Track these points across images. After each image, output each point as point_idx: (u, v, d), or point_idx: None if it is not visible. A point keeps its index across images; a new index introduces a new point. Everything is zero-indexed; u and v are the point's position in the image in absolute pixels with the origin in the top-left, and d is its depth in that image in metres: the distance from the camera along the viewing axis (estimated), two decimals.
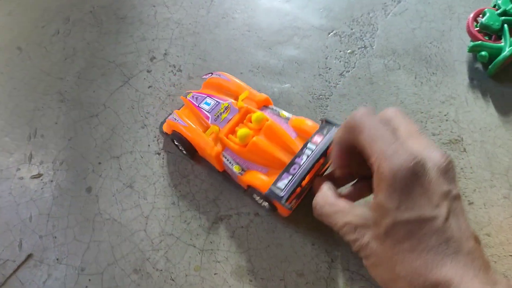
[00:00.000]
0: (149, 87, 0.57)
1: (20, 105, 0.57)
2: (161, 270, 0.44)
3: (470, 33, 0.54)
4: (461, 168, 0.48)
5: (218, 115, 0.47)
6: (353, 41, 0.59)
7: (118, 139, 0.53)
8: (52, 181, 0.50)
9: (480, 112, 0.52)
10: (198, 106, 0.48)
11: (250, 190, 0.44)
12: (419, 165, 0.29)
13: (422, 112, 0.52)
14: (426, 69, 0.55)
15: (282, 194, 0.39)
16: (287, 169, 0.40)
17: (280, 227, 0.45)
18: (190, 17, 0.64)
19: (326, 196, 0.37)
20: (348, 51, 0.58)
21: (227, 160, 0.45)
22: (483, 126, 0.50)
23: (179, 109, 0.50)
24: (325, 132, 0.42)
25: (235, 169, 0.44)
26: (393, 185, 0.29)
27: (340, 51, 0.58)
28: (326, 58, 0.58)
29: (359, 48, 0.58)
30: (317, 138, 0.42)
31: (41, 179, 0.51)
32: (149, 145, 0.52)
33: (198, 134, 0.46)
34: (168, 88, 0.57)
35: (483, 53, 0.53)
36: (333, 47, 0.59)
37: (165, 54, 0.60)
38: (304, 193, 0.42)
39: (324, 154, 0.41)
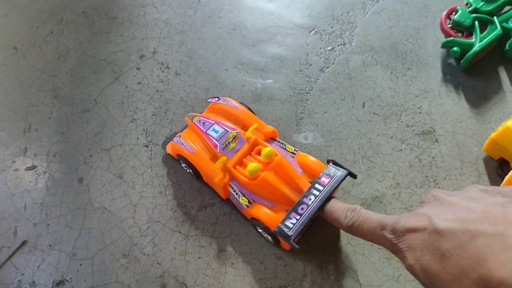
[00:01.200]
0: (139, 83, 0.60)
1: (15, 101, 0.60)
2: (148, 254, 0.46)
3: (443, 30, 0.57)
4: (433, 158, 0.50)
5: (226, 144, 0.46)
6: (333, 39, 0.62)
7: (109, 132, 0.56)
8: (45, 172, 0.53)
9: (452, 104, 0.54)
10: (206, 132, 0.48)
11: (253, 222, 0.44)
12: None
13: (397, 105, 0.55)
14: (401, 65, 0.58)
15: (290, 233, 0.39)
16: (295, 208, 0.40)
17: None
18: (178, 16, 0.67)
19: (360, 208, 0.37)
20: (328, 48, 0.61)
21: (234, 191, 0.45)
22: (454, 118, 0.53)
23: (182, 131, 0.50)
24: (332, 173, 0.42)
25: (242, 201, 0.45)
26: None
27: (321, 48, 0.61)
28: (307, 55, 0.61)
29: (338, 45, 0.61)
30: (325, 179, 0.42)
31: (35, 171, 0.53)
32: (138, 138, 0.55)
33: (206, 162, 0.46)
34: (156, 85, 0.59)
35: (455, 48, 0.55)
36: (314, 44, 0.62)
37: (154, 52, 0.63)
38: (306, 228, 0.42)
39: (330, 197, 0.41)
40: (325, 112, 0.55)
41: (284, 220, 0.40)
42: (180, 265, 0.45)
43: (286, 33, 0.63)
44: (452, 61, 0.58)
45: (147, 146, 0.54)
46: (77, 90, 0.60)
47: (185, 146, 0.47)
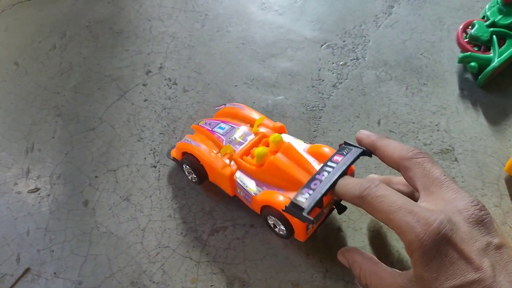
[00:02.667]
0: (145, 100, 0.58)
1: (17, 119, 0.58)
2: (158, 282, 0.44)
3: (459, 44, 0.55)
4: (453, 178, 0.48)
5: (232, 138, 0.45)
6: (346, 53, 0.60)
7: (115, 152, 0.54)
8: (49, 195, 0.51)
9: (470, 121, 0.52)
10: (211, 130, 0.46)
11: (264, 213, 0.41)
12: (445, 227, 0.27)
13: (413, 123, 0.53)
14: (417, 80, 0.56)
15: (304, 206, 0.35)
16: (307, 184, 0.37)
17: (275, 238, 0.46)
18: (185, 30, 0.65)
19: (368, 263, 0.36)
20: (341, 62, 0.59)
21: (241, 182, 0.43)
22: (473, 136, 0.51)
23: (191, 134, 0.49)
24: (345, 152, 0.39)
25: (250, 190, 0.41)
26: (425, 255, 0.27)
27: (333, 63, 0.59)
28: (319, 70, 0.59)
29: (351, 60, 0.59)
30: (338, 157, 0.39)
31: (39, 193, 0.51)
32: (145, 158, 0.53)
33: (211, 154, 0.44)
34: (163, 102, 0.57)
35: (472, 64, 0.54)
36: (326, 59, 0.60)
37: (161, 67, 0.61)
38: (322, 219, 0.40)
39: (345, 172, 0.37)
40: (339, 130, 0.53)
41: (296, 196, 0.37)
42: None
43: (297, 47, 0.62)
44: (469, 76, 0.56)
45: (155, 167, 0.52)
46: (81, 107, 0.58)
47: (190, 141, 0.46)
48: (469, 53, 0.54)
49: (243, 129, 0.46)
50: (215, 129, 0.46)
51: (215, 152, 0.45)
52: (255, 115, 0.48)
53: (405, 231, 0.28)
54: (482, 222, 0.28)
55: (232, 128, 0.46)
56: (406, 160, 0.34)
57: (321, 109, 0.55)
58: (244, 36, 0.64)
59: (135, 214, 0.49)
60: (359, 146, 0.40)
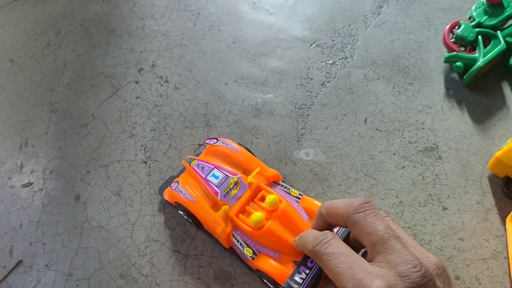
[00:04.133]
0: (137, 97, 0.59)
1: (11, 115, 0.59)
2: (147, 275, 0.45)
3: (446, 44, 0.56)
4: (436, 175, 0.50)
5: (227, 191, 0.44)
6: (335, 52, 0.61)
7: (106, 148, 0.55)
8: (42, 189, 0.52)
9: (455, 120, 0.54)
10: (205, 178, 0.45)
11: (259, 273, 0.42)
12: (428, 276, 0.27)
13: (399, 121, 0.54)
14: (404, 79, 0.57)
15: None
16: (304, 261, 0.37)
17: None
18: (177, 29, 0.66)
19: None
20: (330, 61, 0.60)
21: (238, 241, 0.43)
22: (458, 134, 0.52)
23: (179, 175, 0.48)
24: (338, 232, 0.38)
25: (247, 252, 0.42)
26: None
27: (322, 62, 0.60)
28: (308, 69, 0.60)
29: (340, 59, 0.60)
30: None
31: (32, 188, 0.52)
32: (136, 154, 0.54)
33: (207, 211, 0.43)
34: (155, 99, 0.59)
35: (458, 63, 0.55)
36: (315, 58, 0.61)
37: (153, 65, 0.62)
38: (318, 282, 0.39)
39: None
40: (327, 128, 0.54)
41: (293, 274, 0.37)
42: (179, 286, 0.45)
43: (287, 46, 0.63)
44: (455, 75, 0.57)
45: (146, 163, 0.53)
46: (74, 104, 0.59)
47: (184, 194, 0.44)
48: (454, 53, 0.55)
49: (237, 178, 0.45)
50: (208, 178, 0.45)
51: (207, 204, 0.44)
52: (249, 161, 0.47)
53: (396, 277, 0.28)
54: (442, 276, 0.29)
55: (226, 177, 0.45)
56: (351, 216, 0.32)
57: (309, 107, 0.56)
58: (235, 35, 0.65)
59: (125, 209, 0.50)
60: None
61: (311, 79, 0.59)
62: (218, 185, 0.44)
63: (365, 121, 0.54)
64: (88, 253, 0.47)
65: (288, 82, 0.59)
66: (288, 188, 0.46)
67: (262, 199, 0.44)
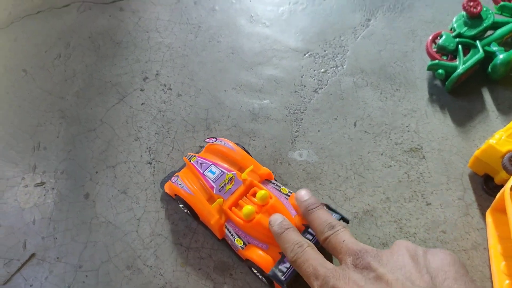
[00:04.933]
0: (142, 104, 0.63)
1: (24, 121, 0.63)
2: (151, 266, 0.49)
3: (428, 53, 0.61)
4: (420, 173, 0.53)
5: (222, 186, 0.48)
6: (326, 61, 0.66)
7: (114, 150, 0.59)
8: (53, 188, 0.56)
9: (438, 123, 0.57)
10: (203, 173, 0.49)
11: (248, 263, 0.45)
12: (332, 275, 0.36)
13: (386, 124, 0.58)
14: (390, 86, 0.62)
15: (283, 278, 0.40)
16: None
17: None
18: (179, 41, 0.71)
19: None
20: (322, 70, 0.65)
21: (229, 232, 0.46)
22: (440, 136, 0.56)
23: (179, 171, 0.52)
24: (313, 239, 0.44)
25: (237, 242, 0.46)
26: None
27: (314, 70, 0.65)
28: (302, 77, 0.64)
29: (331, 68, 0.65)
30: None
31: (44, 187, 0.56)
32: (141, 156, 0.58)
33: (203, 203, 0.47)
34: (159, 105, 0.63)
35: (440, 71, 0.59)
36: (308, 67, 0.65)
37: (157, 74, 0.66)
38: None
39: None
40: (319, 131, 0.58)
41: (278, 264, 0.42)
42: (181, 276, 0.48)
43: (282, 56, 0.67)
44: (438, 82, 0.61)
45: (150, 163, 0.57)
46: (83, 111, 0.63)
47: (182, 187, 0.49)
48: (437, 61, 0.59)
49: (232, 175, 0.49)
50: (206, 173, 0.49)
51: (203, 197, 0.48)
52: (244, 159, 0.51)
53: None
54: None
55: (222, 173, 0.49)
56: (326, 233, 0.40)
57: (303, 112, 0.60)
58: (233, 46, 0.69)
59: (131, 206, 0.53)
60: (338, 213, 0.45)
61: (304, 86, 0.63)
62: (214, 180, 0.48)
63: (355, 125, 0.58)
64: (96, 247, 0.51)
65: (283, 89, 0.63)
66: (279, 186, 0.50)
67: (254, 194, 0.47)
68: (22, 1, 0.79)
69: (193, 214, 0.49)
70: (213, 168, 0.50)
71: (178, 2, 0.76)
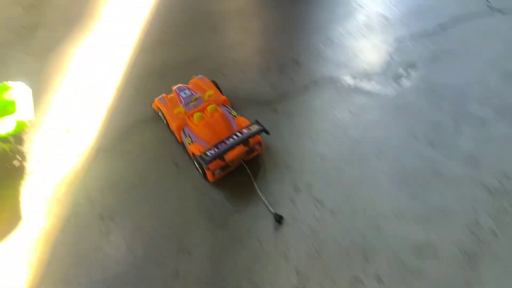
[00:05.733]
0: (293, 218, 0.59)
1: (170, 217, 0.62)
2: None
3: None
4: None
5: (188, 102, 0.70)
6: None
7: (259, 267, 0.54)
8: None
9: None
10: (178, 93, 0.72)
11: (194, 158, 0.63)
12: None
13: None
14: None
15: (207, 158, 0.58)
16: (216, 145, 0.61)
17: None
18: (334, 152, 0.67)
19: None
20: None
21: (184, 134, 0.66)
22: None
23: (167, 95, 0.74)
24: (251, 128, 0.63)
25: (187, 140, 0.65)
26: None
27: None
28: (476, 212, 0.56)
29: None
30: (245, 130, 0.63)
31: None
32: (288, 278, 0.52)
33: (170, 110, 0.70)
34: (310, 222, 0.58)
35: None
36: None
37: (309, 185, 0.63)
38: (228, 170, 0.64)
39: (246, 142, 0.61)
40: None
41: (206, 151, 0.60)
42: None
43: (447, 182, 0.61)
44: None
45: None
46: (232, 217, 0.61)
47: (161, 99, 0.73)
48: None
49: (198, 96, 0.71)
50: (180, 94, 0.72)
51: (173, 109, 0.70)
52: (210, 88, 0.74)
53: None
54: None
55: (191, 94, 0.71)
56: None
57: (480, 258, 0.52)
58: (395, 166, 0.65)
59: None
60: (262, 125, 0.63)
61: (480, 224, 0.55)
62: (184, 98, 0.71)
63: None
64: None
65: (452, 222, 0.56)
66: (230, 110, 0.70)
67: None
68: None
69: (167, 123, 0.71)
70: (186, 91, 0.72)
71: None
